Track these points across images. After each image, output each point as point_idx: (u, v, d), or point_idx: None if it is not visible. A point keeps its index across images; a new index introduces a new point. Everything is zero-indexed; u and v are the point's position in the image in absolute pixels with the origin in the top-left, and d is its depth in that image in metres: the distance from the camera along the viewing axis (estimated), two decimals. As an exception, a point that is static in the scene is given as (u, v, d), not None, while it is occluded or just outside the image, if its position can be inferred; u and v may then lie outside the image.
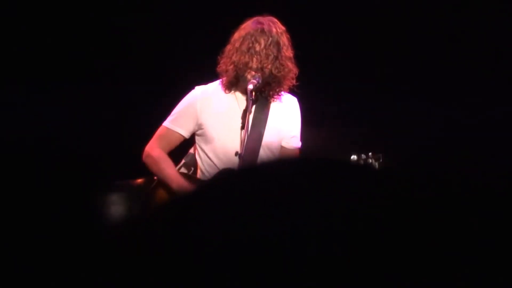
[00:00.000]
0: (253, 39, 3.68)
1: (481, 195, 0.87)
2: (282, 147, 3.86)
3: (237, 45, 3.70)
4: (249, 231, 0.79)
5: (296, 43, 3.81)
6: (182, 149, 3.94)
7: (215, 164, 3.78)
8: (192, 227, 0.82)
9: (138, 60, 5.08)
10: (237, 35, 3.74)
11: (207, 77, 3.93)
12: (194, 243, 0.81)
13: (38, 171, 4.74)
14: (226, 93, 3.82)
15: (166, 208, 0.88)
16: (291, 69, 3.77)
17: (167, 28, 5.06)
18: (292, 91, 3.86)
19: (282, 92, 3.82)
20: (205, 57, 3.94)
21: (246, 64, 3.68)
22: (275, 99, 3.82)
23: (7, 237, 3.64)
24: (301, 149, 3.91)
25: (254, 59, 3.68)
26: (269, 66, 3.69)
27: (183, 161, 3.91)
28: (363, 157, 3.54)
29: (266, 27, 3.71)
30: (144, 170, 3.86)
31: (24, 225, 3.93)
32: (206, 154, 3.81)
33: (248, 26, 3.74)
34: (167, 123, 3.85)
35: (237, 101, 3.80)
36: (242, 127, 3.67)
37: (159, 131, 3.87)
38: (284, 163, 0.96)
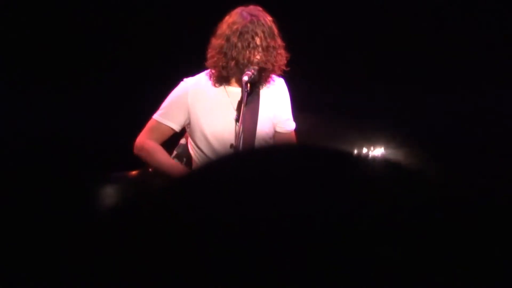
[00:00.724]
0: (252, 33, 3.61)
1: (482, 193, 0.87)
2: (277, 132, 3.82)
3: (234, 39, 3.61)
4: (248, 213, 0.79)
5: (289, 32, 3.79)
6: (173, 140, 3.92)
7: (209, 157, 3.75)
8: (190, 212, 0.82)
9: (133, 54, 5.08)
10: (228, 30, 3.65)
11: (198, 69, 3.89)
12: (193, 227, 0.81)
13: (33, 164, 4.74)
14: (216, 86, 3.77)
15: (163, 193, 0.88)
16: (284, 56, 3.74)
17: (158, 23, 5.06)
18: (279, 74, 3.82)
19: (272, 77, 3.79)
20: (197, 50, 3.90)
21: (249, 59, 3.62)
22: (264, 85, 3.78)
23: (2, 231, 3.63)
24: (296, 130, 3.87)
25: (256, 53, 3.62)
26: (270, 58, 3.65)
27: (174, 152, 3.88)
28: (364, 152, 3.54)
29: (261, 19, 3.65)
30: (140, 162, 3.85)
31: (20, 219, 3.93)
32: (199, 147, 3.77)
33: (239, 18, 3.66)
34: (157, 116, 3.79)
35: (227, 93, 3.76)
36: (237, 120, 3.64)
37: (149, 124, 3.80)
38: (284, 148, 0.96)
